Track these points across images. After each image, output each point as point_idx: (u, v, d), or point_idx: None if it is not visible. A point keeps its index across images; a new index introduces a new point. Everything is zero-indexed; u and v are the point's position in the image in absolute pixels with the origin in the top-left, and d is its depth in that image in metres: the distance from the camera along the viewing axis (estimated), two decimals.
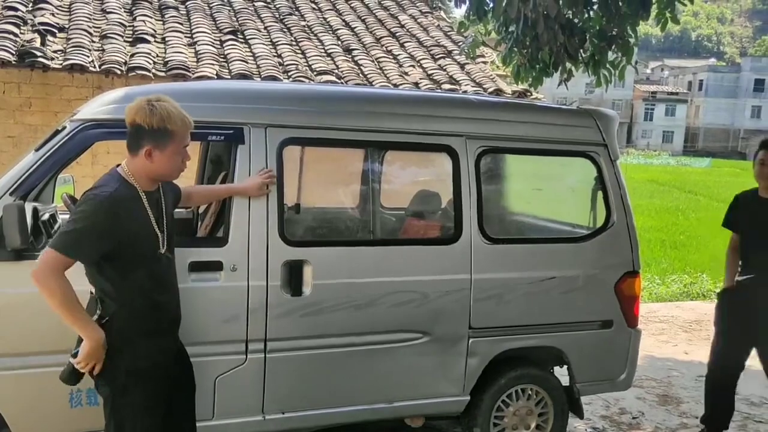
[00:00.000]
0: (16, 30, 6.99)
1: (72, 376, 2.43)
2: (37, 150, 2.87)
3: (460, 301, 3.40)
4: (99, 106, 2.99)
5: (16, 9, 7.44)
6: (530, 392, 3.68)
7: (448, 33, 9.97)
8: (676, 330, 7.13)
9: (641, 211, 16.80)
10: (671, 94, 73.20)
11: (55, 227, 3.14)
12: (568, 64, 4.46)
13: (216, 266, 2.99)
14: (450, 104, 3.74)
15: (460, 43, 9.55)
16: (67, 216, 2.53)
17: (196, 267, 2.96)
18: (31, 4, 7.71)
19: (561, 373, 3.88)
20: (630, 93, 70.90)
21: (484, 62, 9.10)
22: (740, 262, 4.04)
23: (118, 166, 2.51)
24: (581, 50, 4.59)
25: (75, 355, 2.38)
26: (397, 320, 3.32)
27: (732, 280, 4.04)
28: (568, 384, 3.79)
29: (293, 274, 3.11)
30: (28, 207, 3.17)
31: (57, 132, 2.91)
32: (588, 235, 3.78)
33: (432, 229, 3.87)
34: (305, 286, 3.13)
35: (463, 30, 5.62)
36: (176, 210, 4.13)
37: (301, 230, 3.75)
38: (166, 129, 2.38)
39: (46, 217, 3.39)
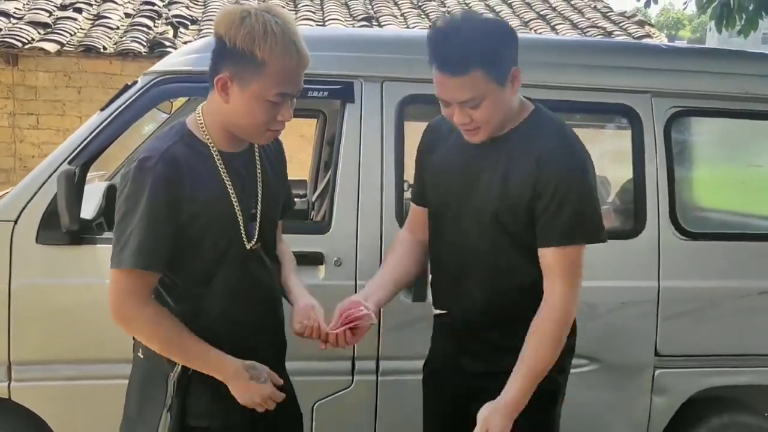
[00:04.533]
0: (150, 23, 7.05)
1: None
2: (102, 110, 2.37)
3: (643, 318, 2.56)
4: (179, 57, 2.50)
5: (152, 3, 7.54)
6: None
7: (607, 14, 8.92)
8: None
9: None
10: None
11: None
12: None
13: (315, 259, 2.37)
14: (629, 51, 2.88)
15: (622, 23, 8.47)
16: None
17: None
18: None
19: None
20: None
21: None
22: None
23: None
24: None
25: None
26: None
27: None
28: None
29: None
30: (101, 185, 2.76)
31: (127, 88, 2.39)
32: None
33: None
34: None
35: None
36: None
37: None
38: (252, 55, 1.48)
39: None
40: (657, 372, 2.58)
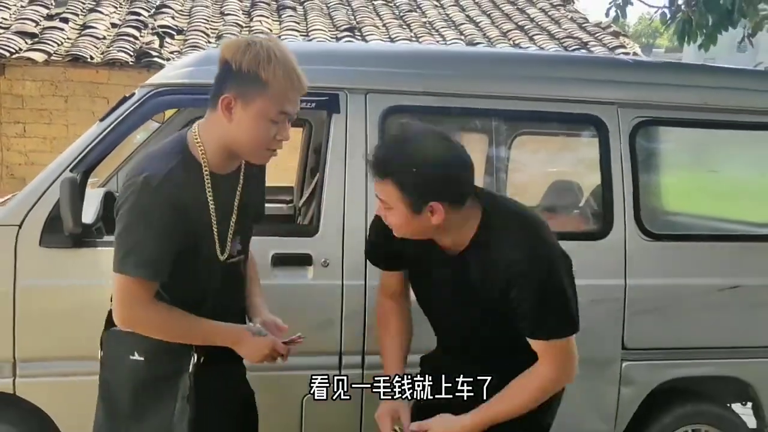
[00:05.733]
0: (136, 33, 7.07)
1: None
2: (101, 120, 2.49)
3: (610, 314, 2.68)
4: (174, 70, 2.61)
5: (138, 14, 7.58)
6: None
7: (583, 24, 9.13)
8: None
9: None
10: None
11: None
12: (762, 8, 3.40)
13: (304, 260, 2.49)
14: (596, 64, 3.04)
15: (598, 34, 8.69)
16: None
17: (281, 261, 2.47)
18: (153, 9, 7.81)
19: (744, 413, 3.01)
20: None
21: (626, 53, 8.17)
22: None
23: (187, 126, 1.82)
24: None
25: None
26: None
27: None
28: (756, 427, 2.94)
29: None
30: (98, 191, 2.87)
31: (125, 99, 2.52)
32: None
33: (571, 223, 3.16)
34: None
35: None
36: (277, 206, 3.61)
37: None
38: (257, 76, 1.61)
39: None
40: (624, 364, 2.70)
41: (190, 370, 1.71)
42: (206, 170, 1.70)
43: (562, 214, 3.26)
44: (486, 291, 1.73)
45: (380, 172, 1.66)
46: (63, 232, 2.29)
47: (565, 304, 1.72)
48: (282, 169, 6.76)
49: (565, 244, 2.73)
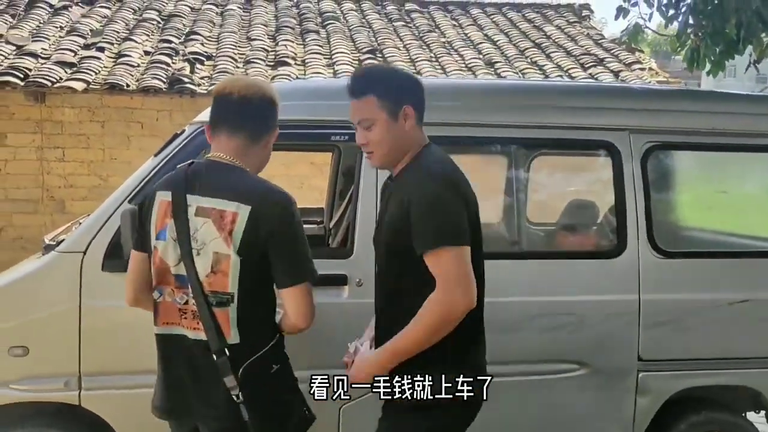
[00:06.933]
0: (168, 60, 7.34)
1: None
2: (156, 155, 2.74)
3: (626, 327, 2.84)
4: None
5: (170, 41, 7.86)
6: None
7: (599, 41, 9.28)
8: None
9: None
10: None
11: None
12: (763, 37, 3.58)
13: (340, 280, 2.69)
14: (609, 94, 3.23)
15: (614, 50, 8.85)
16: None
17: (319, 281, 2.65)
18: (183, 37, 8.11)
19: (758, 421, 3.15)
20: None
21: (642, 69, 8.31)
22: None
23: (224, 164, 2.00)
24: None
25: None
26: (549, 348, 2.82)
27: None
28: None
29: None
30: None
31: (176, 136, 2.77)
32: None
33: (588, 243, 3.33)
34: None
35: (623, 16, 4.84)
36: (308, 226, 3.89)
37: None
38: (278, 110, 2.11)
39: None
40: (640, 375, 2.86)
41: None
42: None
43: (579, 234, 3.43)
44: (395, 209, 1.92)
45: (362, 88, 1.95)
46: (122, 257, 2.49)
47: (450, 218, 1.85)
48: (307, 189, 7.03)
49: (583, 264, 2.92)
